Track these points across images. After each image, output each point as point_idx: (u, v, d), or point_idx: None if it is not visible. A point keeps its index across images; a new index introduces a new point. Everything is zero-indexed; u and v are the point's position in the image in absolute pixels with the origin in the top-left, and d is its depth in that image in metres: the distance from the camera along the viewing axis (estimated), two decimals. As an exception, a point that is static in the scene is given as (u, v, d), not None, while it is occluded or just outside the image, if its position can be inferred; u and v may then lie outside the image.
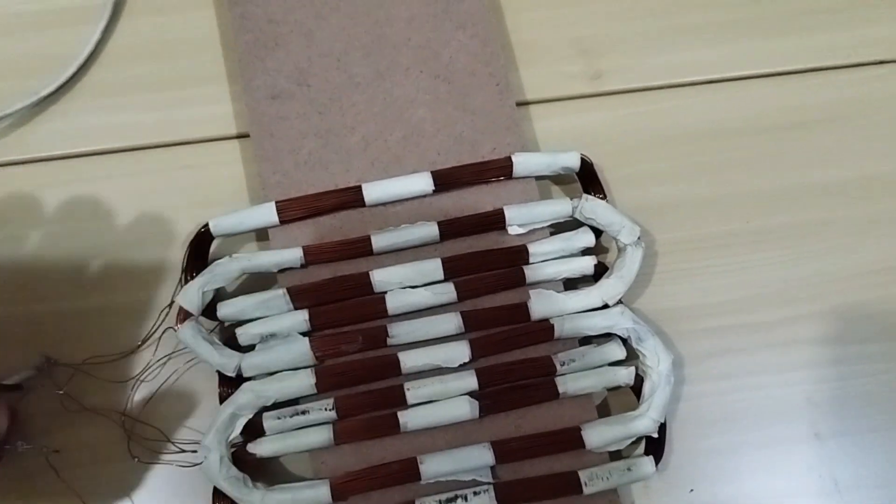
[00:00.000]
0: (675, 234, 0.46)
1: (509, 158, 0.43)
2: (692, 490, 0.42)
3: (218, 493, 0.39)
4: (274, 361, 0.40)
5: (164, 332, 0.42)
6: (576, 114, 0.48)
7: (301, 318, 0.41)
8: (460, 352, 0.40)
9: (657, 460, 0.40)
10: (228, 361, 0.40)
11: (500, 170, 0.43)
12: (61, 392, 0.41)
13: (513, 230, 0.43)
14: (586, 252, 0.43)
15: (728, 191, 0.47)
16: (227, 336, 0.41)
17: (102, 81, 0.48)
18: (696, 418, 0.43)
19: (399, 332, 0.41)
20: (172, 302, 0.42)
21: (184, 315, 0.40)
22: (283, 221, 0.42)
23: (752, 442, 0.43)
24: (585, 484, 0.39)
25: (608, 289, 0.42)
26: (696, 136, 0.48)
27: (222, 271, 0.41)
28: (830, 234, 0.46)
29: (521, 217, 0.43)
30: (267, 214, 0.42)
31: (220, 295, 0.42)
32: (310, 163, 0.44)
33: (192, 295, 0.40)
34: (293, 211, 0.42)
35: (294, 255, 0.41)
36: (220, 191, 0.46)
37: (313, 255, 0.42)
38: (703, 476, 0.42)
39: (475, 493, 0.39)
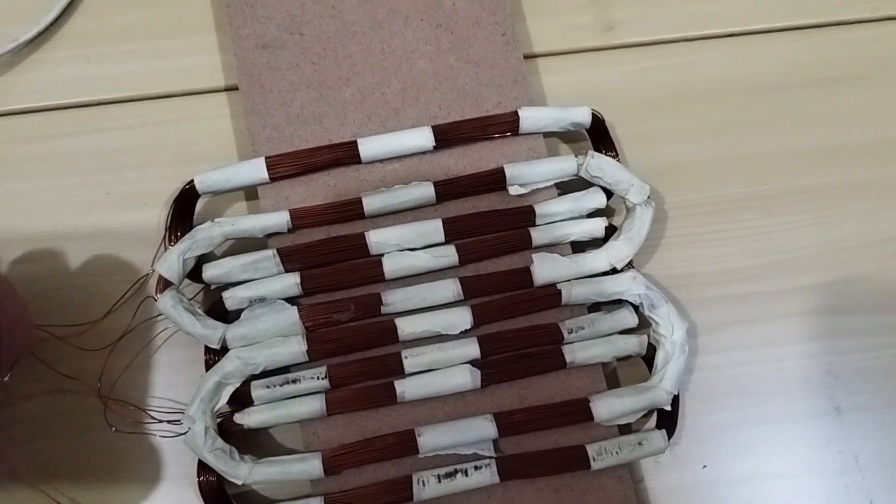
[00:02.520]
0: (689, 196, 0.43)
1: (515, 113, 0.41)
2: (705, 466, 0.40)
3: (203, 466, 0.37)
4: (260, 332, 0.37)
5: (144, 300, 0.39)
6: (586, 68, 0.45)
7: (292, 280, 0.38)
8: (461, 318, 0.38)
9: (669, 434, 0.38)
10: (212, 333, 0.37)
11: (506, 125, 0.41)
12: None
13: (514, 190, 0.40)
14: (596, 214, 0.41)
15: (746, 151, 0.44)
16: (214, 300, 0.39)
17: (83, 30, 0.45)
18: (709, 391, 0.41)
19: (394, 299, 0.38)
20: (152, 270, 0.39)
21: (163, 284, 0.37)
22: (273, 178, 0.40)
23: (768, 416, 0.40)
24: (594, 459, 0.37)
25: (615, 251, 0.39)
26: (712, 92, 0.45)
27: (204, 237, 0.38)
28: (854, 199, 0.44)
29: (522, 176, 0.40)
30: (256, 170, 0.40)
31: (206, 256, 0.39)
32: (302, 116, 0.41)
33: (172, 263, 0.37)
34: (284, 167, 0.40)
35: (280, 219, 0.39)
36: (207, 147, 0.43)
37: (300, 219, 0.39)
38: (716, 452, 0.40)
39: (476, 468, 0.36)
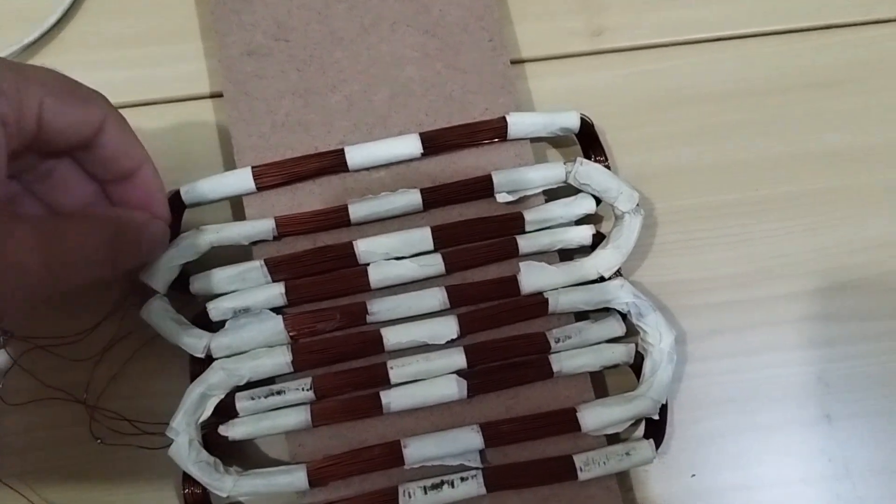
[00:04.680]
0: (678, 202, 0.43)
1: (503, 119, 0.40)
2: (694, 475, 0.40)
3: (187, 479, 0.36)
4: (245, 341, 0.37)
5: (128, 309, 0.39)
6: (575, 73, 0.45)
7: (277, 291, 0.38)
8: (447, 327, 0.38)
9: (657, 444, 0.38)
10: (197, 342, 0.37)
11: (494, 131, 0.40)
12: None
13: (501, 198, 0.40)
14: (585, 220, 0.40)
15: (736, 157, 0.44)
16: (198, 310, 0.38)
17: (70, 39, 0.44)
18: (698, 399, 0.40)
19: (380, 308, 0.38)
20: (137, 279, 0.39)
21: (149, 292, 0.37)
22: (259, 188, 0.39)
23: (758, 424, 0.40)
24: (581, 469, 0.36)
25: (603, 260, 0.39)
26: (703, 97, 0.45)
27: (189, 245, 0.38)
28: (845, 204, 0.43)
29: (510, 183, 0.39)
30: (242, 180, 0.39)
31: (193, 267, 0.39)
32: (288, 124, 0.41)
33: (157, 271, 0.37)
34: (271, 177, 0.39)
35: (266, 226, 0.39)
36: (192, 154, 0.43)
37: (286, 227, 0.39)
38: (705, 460, 0.40)
39: (462, 479, 0.36)
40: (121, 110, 0.42)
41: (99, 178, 0.36)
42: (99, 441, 0.38)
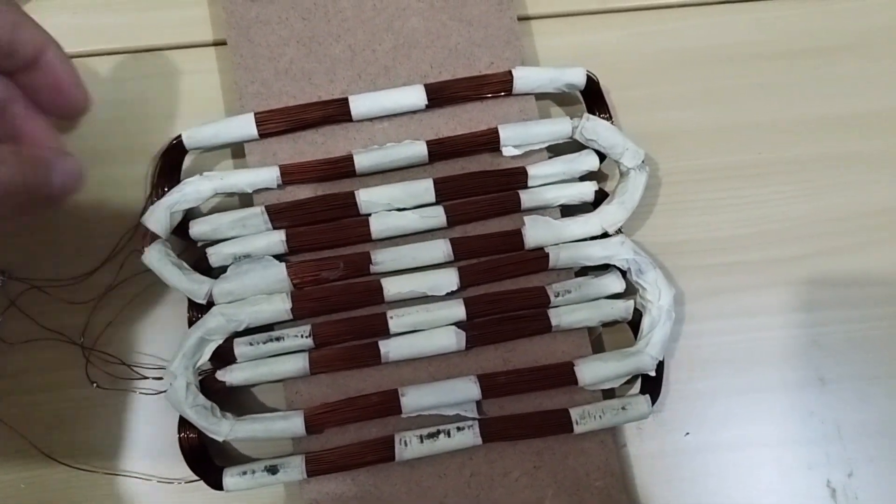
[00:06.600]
0: (681, 163, 0.43)
1: (509, 72, 0.40)
2: (688, 433, 0.40)
3: (183, 423, 0.36)
4: (248, 288, 0.37)
5: (129, 255, 0.39)
6: (581, 32, 0.44)
7: (277, 238, 0.38)
8: (448, 279, 0.38)
9: (653, 400, 0.38)
10: (198, 287, 0.37)
11: (500, 84, 0.40)
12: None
13: (507, 151, 0.39)
14: (588, 177, 0.40)
15: (739, 119, 0.44)
16: (198, 256, 0.38)
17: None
18: (694, 358, 0.41)
19: (384, 258, 0.38)
20: (139, 224, 0.38)
21: (150, 237, 0.37)
22: (262, 135, 0.39)
23: (752, 385, 0.41)
24: (577, 422, 0.37)
25: (608, 215, 0.39)
26: (709, 59, 0.44)
27: (192, 190, 0.37)
28: (844, 170, 0.43)
29: (516, 137, 0.39)
30: (245, 126, 0.39)
31: (192, 213, 0.39)
32: (291, 72, 0.40)
33: (160, 216, 0.37)
34: (274, 123, 0.39)
35: (270, 174, 0.38)
36: (194, 102, 0.42)
37: (291, 175, 0.39)
38: (699, 419, 0.40)
39: (459, 429, 0.36)
40: (123, 56, 0.42)
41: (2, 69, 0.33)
42: (95, 385, 0.38)
